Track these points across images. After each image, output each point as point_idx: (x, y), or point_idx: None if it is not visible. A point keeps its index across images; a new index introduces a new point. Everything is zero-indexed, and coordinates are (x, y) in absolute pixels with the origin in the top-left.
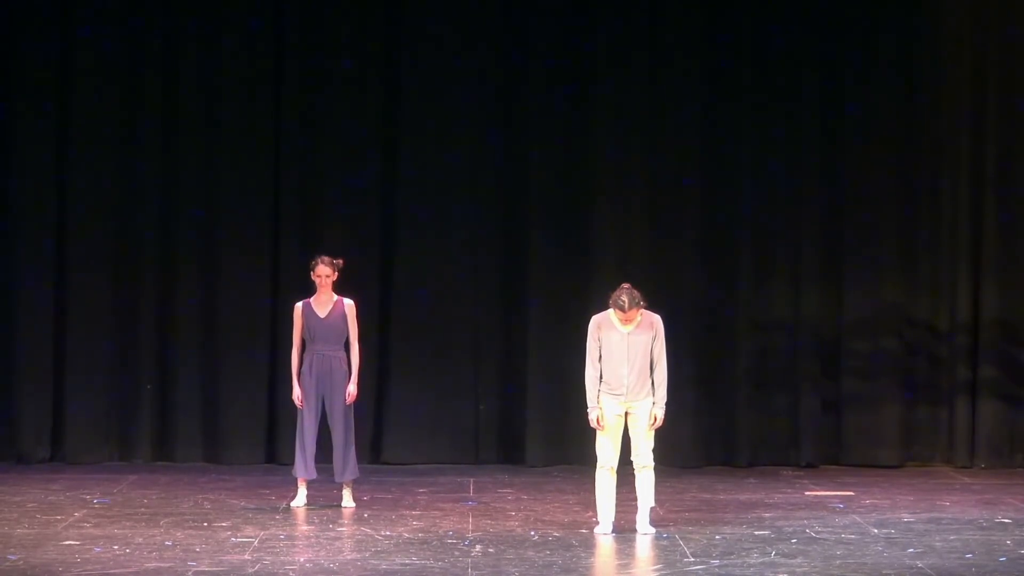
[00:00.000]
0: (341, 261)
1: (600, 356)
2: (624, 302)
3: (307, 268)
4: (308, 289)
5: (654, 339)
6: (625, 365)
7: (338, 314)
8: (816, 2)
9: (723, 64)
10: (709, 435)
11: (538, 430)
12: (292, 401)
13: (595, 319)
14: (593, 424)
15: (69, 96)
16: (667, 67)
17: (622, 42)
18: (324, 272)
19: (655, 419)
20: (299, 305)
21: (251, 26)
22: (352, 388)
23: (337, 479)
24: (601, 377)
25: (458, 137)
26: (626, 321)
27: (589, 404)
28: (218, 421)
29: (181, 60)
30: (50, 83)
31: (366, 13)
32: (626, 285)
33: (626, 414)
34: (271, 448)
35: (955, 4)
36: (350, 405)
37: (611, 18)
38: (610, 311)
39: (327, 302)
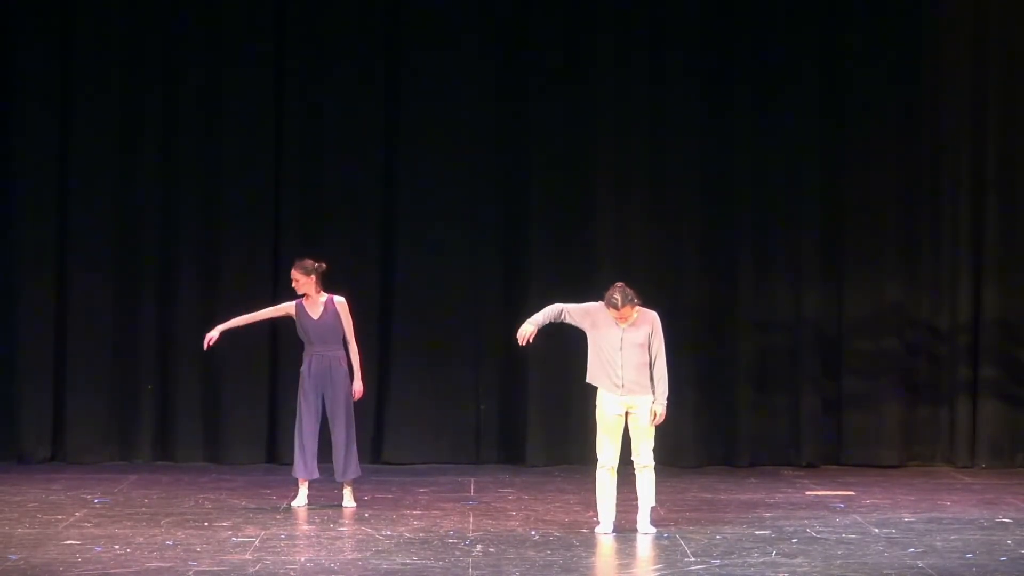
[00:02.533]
0: (323, 265)
1: (572, 318)
2: (617, 300)
3: None
4: None
5: (651, 335)
6: (618, 360)
7: (331, 313)
8: (817, 2)
9: (723, 64)
10: (710, 435)
11: (538, 430)
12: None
13: (598, 304)
14: (520, 337)
15: (70, 97)
16: (667, 67)
17: (623, 42)
18: (294, 277)
19: (655, 415)
20: (294, 302)
21: (252, 26)
22: (358, 385)
23: (338, 479)
24: (593, 370)
25: (458, 137)
26: (621, 319)
27: (530, 319)
28: (219, 421)
29: (182, 61)
30: (51, 84)
31: (367, 13)
32: (619, 283)
33: (626, 414)
34: (272, 448)
35: (956, 4)
36: (351, 404)
37: (612, 18)
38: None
39: (317, 303)
